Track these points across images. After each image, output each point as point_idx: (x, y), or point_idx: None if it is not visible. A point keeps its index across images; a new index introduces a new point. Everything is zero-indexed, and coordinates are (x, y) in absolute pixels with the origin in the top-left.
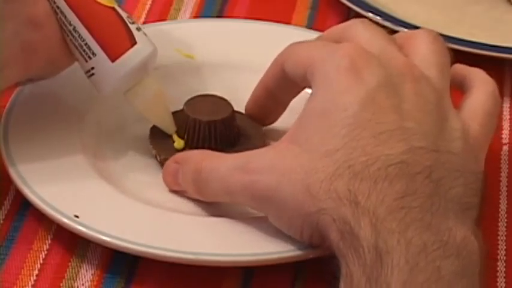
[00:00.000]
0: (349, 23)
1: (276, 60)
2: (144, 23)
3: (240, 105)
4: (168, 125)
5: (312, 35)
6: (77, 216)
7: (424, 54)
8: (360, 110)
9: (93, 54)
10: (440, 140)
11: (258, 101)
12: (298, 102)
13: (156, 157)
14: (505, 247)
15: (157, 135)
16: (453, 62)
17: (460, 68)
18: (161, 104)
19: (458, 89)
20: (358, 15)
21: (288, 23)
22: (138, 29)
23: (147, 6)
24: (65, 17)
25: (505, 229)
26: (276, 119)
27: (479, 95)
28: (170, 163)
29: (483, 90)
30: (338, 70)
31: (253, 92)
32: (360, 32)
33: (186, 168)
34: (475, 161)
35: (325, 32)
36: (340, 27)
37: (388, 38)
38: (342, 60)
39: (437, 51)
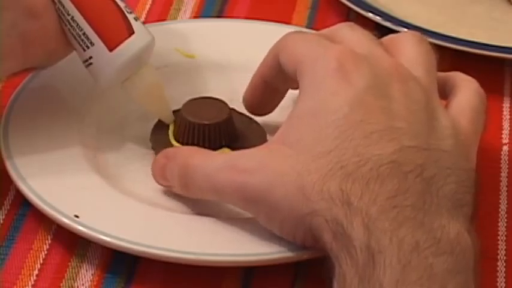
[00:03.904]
0: (336, 26)
1: (271, 50)
2: (144, 23)
3: (240, 105)
4: (165, 115)
5: None
6: (77, 216)
7: (411, 55)
8: (350, 112)
9: (91, 43)
10: (430, 139)
11: (255, 90)
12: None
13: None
14: (505, 247)
15: (158, 135)
16: (451, 63)
17: (440, 75)
18: (158, 94)
19: (440, 95)
20: (358, 15)
21: (288, 23)
22: (136, 19)
23: (147, 6)
24: (63, 6)
25: (505, 229)
26: (274, 108)
27: (465, 93)
28: (159, 157)
29: (468, 88)
30: (327, 72)
31: (250, 82)
32: (348, 35)
33: (173, 163)
34: (466, 158)
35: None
36: (328, 31)
37: (375, 40)
38: (331, 62)
39: (423, 51)
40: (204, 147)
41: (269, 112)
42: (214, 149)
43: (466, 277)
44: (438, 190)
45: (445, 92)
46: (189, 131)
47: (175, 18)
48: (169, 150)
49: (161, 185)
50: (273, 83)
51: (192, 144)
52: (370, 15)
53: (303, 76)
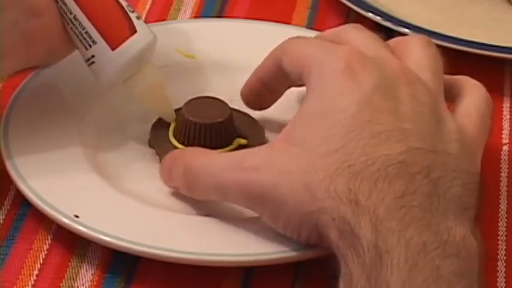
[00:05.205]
0: (342, 27)
1: (272, 54)
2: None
3: (240, 105)
4: (167, 113)
5: (312, 35)
6: (77, 216)
7: (418, 58)
8: (357, 112)
9: (94, 42)
10: (437, 141)
11: (252, 90)
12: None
13: (157, 154)
14: (505, 247)
15: (157, 133)
16: (451, 63)
17: (447, 78)
18: (160, 92)
19: (447, 98)
20: (358, 15)
21: (288, 23)
22: (138, 18)
23: (147, 6)
24: (65, 5)
25: (505, 229)
26: (271, 104)
27: (472, 98)
28: (167, 159)
29: (475, 94)
30: (335, 72)
31: (247, 81)
32: (354, 36)
33: (178, 164)
34: (472, 161)
35: (317, 36)
36: (334, 32)
37: (382, 42)
38: (339, 63)
39: (430, 55)
40: (205, 146)
41: (266, 108)
42: (215, 148)
43: (471, 280)
44: (445, 192)
45: (451, 96)
46: (189, 130)
47: (175, 18)
48: (176, 151)
49: (170, 186)
50: (272, 84)
51: (193, 143)
52: (370, 15)
53: (310, 77)
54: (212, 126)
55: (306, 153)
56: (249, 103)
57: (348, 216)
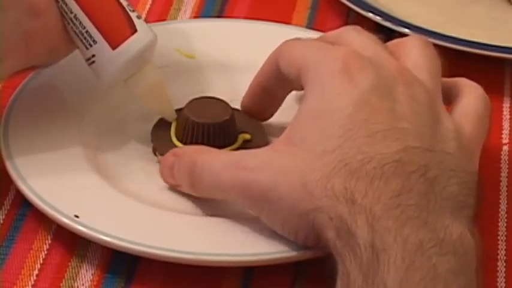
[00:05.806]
0: (341, 29)
1: (270, 57)
2: None
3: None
4: (168, 112)
5: (312, 35)
6: (77, 216)
7: (416, 59)
8: (354, 111)
9: (94, 41)
10: (434, 141)
11: (253, 97)
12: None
13: (155, 154)
14: (505, 247)
15: (159, 133)
16: (451, 63)
17: (445, 80)
18: (161, 92)
19: (445, 100)
20: (358, 16)
21: (288, 23)
22: (139, 17)
23: (147, 6)
24: (66, 5)
25: (505, 229)
26: (272, 114)
27: (470, 99)
28: (168, 156)
29: (473, 95)
30: (332, 73)
31: (248, 89)
32: (353, 38)
33: (181, 162)
34: (469, 161)
35: (318, 38)
36: (334, 34)
37: (380, 43)
38: (336, 63)
39: (428, 55)
40: (209, 146)
41: (268, 118)
42: (219, 147)
43: (469, 278)
44: (441, 191)
45: (450, 97)
46: (192, 130)
47: (175, 18)
48: (177, 149)
49: (169, 184)
50: (272, 89)
51: (196, 143)
52: (370, 15)
53: (307, 78)
54: (216, 126)
55: (304, 153)
56: (251, 112)
57: (345, 216)
